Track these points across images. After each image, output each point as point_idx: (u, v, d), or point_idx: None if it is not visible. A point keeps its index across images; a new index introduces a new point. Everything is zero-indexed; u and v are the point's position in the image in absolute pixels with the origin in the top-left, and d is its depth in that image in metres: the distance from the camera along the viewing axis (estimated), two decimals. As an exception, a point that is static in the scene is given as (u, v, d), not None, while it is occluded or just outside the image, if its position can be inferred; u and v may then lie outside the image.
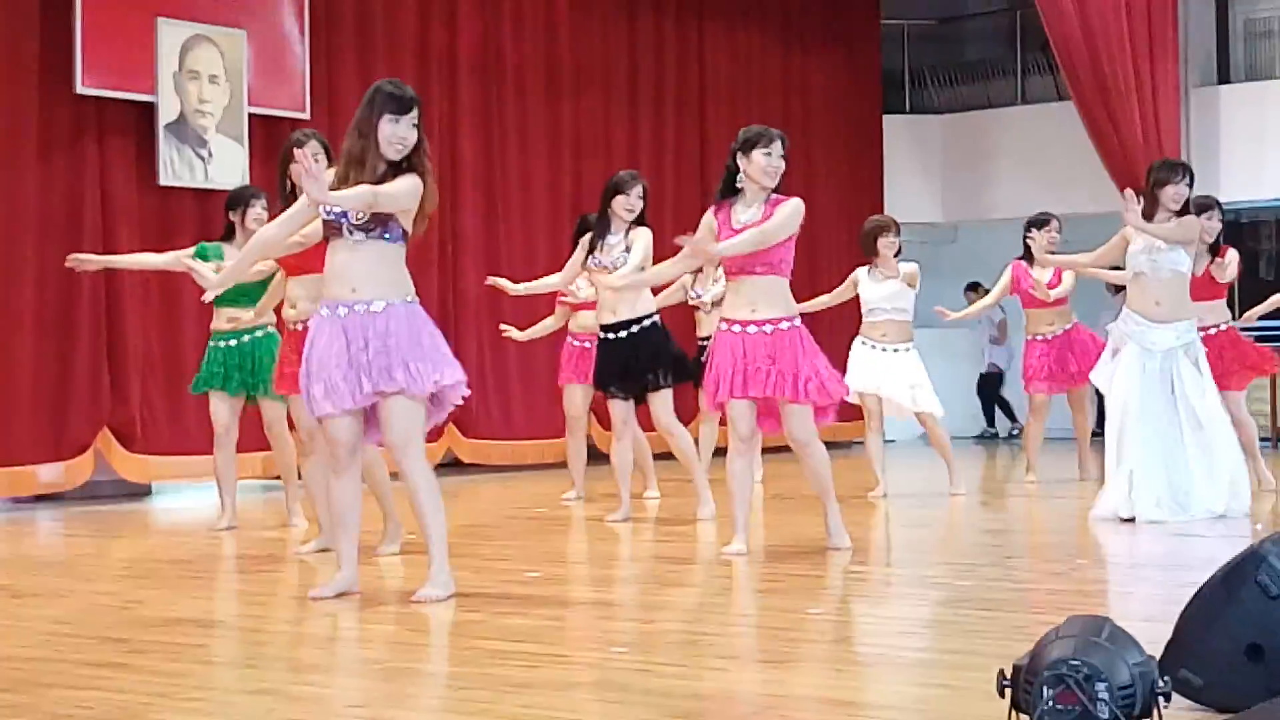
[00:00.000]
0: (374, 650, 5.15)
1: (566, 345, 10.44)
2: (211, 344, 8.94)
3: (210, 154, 11.50)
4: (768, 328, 7.04)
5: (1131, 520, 8.24)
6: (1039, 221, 10.98)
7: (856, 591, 6.54)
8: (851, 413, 10.43)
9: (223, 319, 8.86)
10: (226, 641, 5.24)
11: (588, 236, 8.91)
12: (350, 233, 5.91)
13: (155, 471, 11.33)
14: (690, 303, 11.18)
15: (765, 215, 7.03)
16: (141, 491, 11.42)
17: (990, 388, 18.40)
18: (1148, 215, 8.35)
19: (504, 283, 10.13)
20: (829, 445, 7.39)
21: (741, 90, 15.94)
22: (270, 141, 11.82)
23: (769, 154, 7.06)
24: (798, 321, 7.13)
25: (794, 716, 3.96)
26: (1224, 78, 16.91)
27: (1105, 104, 15.44)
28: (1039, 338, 10.98)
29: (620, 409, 8.93)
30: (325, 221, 5.96)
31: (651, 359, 8.81)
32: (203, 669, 4.75)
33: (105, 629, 5.45)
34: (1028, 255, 10.90)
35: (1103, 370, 8.66)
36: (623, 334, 8.79)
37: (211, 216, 11.49)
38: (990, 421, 18.47)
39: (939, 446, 10.54)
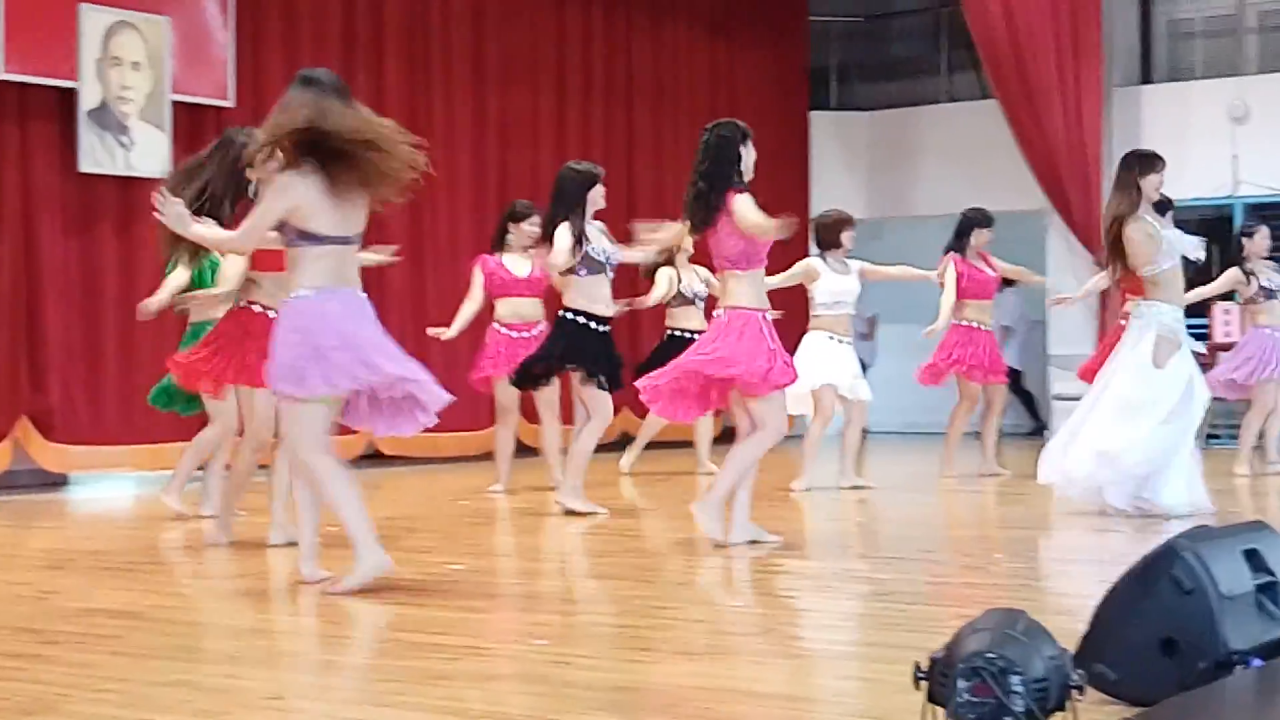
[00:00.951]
0: (293, 642, 5.12)
1: (494, 335, 10.34)
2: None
3: (132, 141, 11.38)
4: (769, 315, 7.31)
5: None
6: (985, 221, 11.16)
7: (778, 585, 6.56)
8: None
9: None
10: (142, 632, 5.19)
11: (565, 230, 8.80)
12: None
13: (74, 461, 11.20)
14: (686, 295, 11.40)
15: None
16: (59, 481, 11.30)
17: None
18: (1131, 204, 8.40)
19: (442, 331, 10.27)
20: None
21: (668, 84, 15.96)
22: (193, 129, 11.73)
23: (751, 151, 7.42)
24: None
25: (713, 709, 3.97)
26: (1146, 78, 17.07)
27: (1029, 102, 15.56)
28: (982, 326, 11.14)
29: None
30: None
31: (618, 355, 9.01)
32: (118, 660, 4.70)
33: (21, 620, 5.39)
34: (960, 248, 11.07)
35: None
36: (608, 327, 8.89)
37: (132, 204, 11.39)
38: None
39: (854, 437, 10.62)
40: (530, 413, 10.61)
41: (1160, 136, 16.36)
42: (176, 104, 11.65)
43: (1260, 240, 11.44)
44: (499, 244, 10.38)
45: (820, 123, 18.09)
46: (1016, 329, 17.53)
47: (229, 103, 11.89)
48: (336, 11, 12.92)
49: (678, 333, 11.35)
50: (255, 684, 4.38)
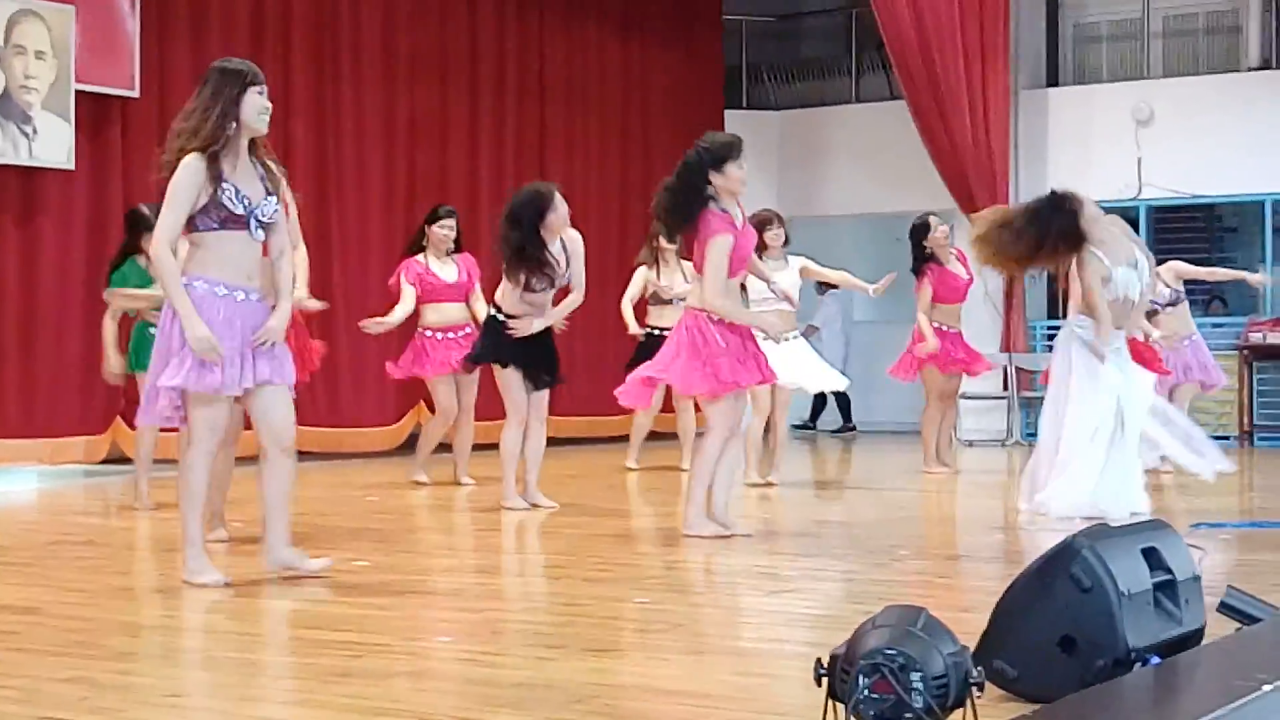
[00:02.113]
0: (193, 639, 5.07)
1: (423, 339, 10.30)
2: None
3: (35, 131, 11.22)
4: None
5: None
6: (924, 227, 11.31)
7: (683, 581, 6.57)
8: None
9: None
10: (40, 629, 5.11)
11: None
12: (256, 230, 5.95)
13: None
14: (661, 294, 11.43)
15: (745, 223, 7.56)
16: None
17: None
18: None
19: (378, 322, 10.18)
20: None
21: (580, 83, 15.92)
22: (97, 119, 11.60)
23: (742, 167, 7.46)
24: None
25: (616, 704, 3.97)
26: (1053, 80, 17.26)
27: (937, 104, 15.68)
28: (950, 329, 11.31)
29: (530, 398, 8.90)
30: (228, 211, 5.86)
31: (556, 355, 9.02)
32: (17, 656, 4.63)
33: (-86, 616, 5.31)
34: (920, 256, 11.21)
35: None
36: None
37: (37, 193, 11.26)
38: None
39: (781, 431, 10.72)
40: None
41: (1066, 139, 16.59)
42: (80, 94, 11.50)
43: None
44: (417, 246, 10.35)
45: (732, 122, 18.08)
46: (827, 330, 17.75)
47: (134, 93, 11.76)
48: (245, 3, 12.80)
49: (655, 331, 11.38)
50: (154, 681, 4.33)
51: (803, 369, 10.41)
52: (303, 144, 13.11)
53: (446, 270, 10.27)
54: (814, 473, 13.07)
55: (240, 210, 5.87)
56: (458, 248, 10.36)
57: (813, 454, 15.23)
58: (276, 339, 5.97)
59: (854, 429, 17.92)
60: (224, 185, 5.84)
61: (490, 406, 10.21)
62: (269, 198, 5.98)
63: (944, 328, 11.26)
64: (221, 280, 5.88)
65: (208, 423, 5.94)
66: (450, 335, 10.22)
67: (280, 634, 5.24)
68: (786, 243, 10.58)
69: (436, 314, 10.26)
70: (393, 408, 13.53)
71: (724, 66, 18.07)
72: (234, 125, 5.88)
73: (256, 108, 5.92)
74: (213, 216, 5.86)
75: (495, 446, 9.08)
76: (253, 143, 6.00)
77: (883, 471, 11.45)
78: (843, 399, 17.79)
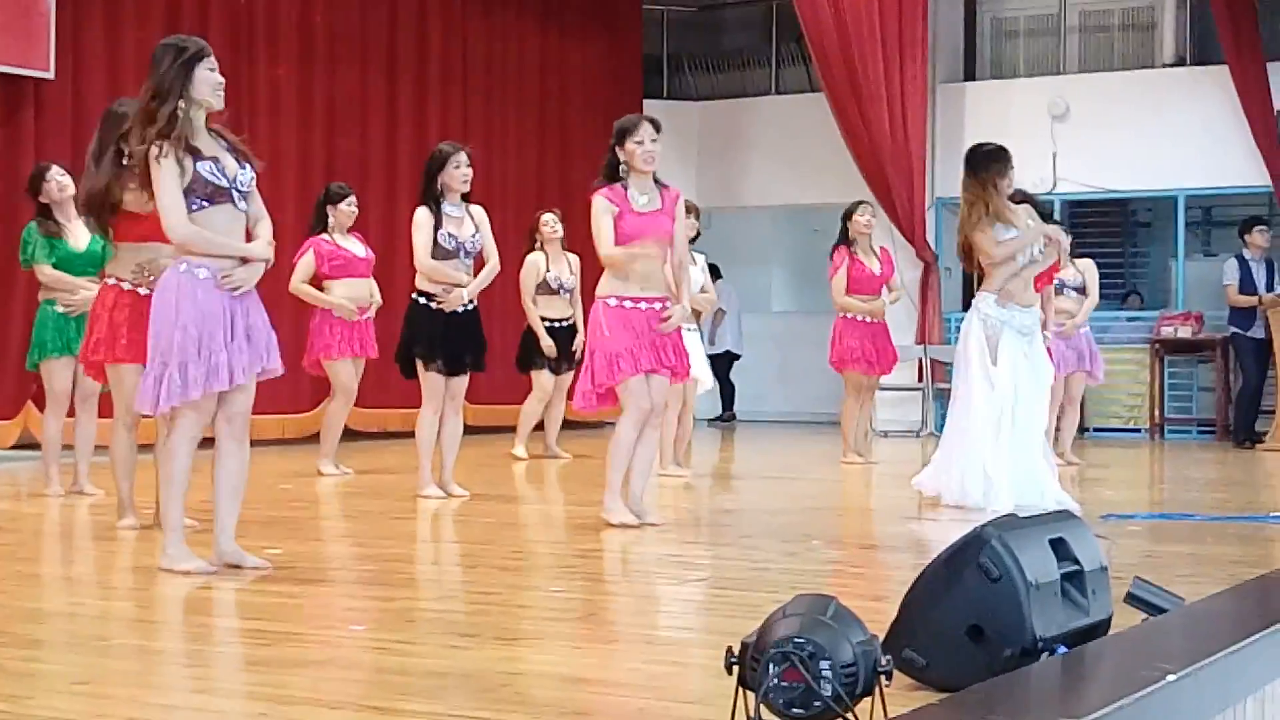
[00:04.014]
0: (102, 627, 5.02)
1: (328, 317, 10.25)
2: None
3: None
4: (658, 305, 7.43)
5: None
6: (851, 209, 11.45)
7: (596, 569, 6.58)
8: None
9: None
10: (-54, 616, 5.05)
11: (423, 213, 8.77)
12: (239, 200, 5.92)
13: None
14: (551, 285, 11.59)
15: (664, 205, 7.47)
16: None
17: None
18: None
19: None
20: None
21: (500, 70, 15.88)
22: (12, 100, 11.46)
23: (640, 141, 7.39)
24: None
25: (528, 693, 3.97)
26: (970, 75, 17.39)
27: (855, 96, 15.77)
28: (862, 319, 11.34)
29: (443, 384, 8.87)
30: (212, 185, 5.82)
31: (477, 340, 8.96)
32: (-81, 644, 4.57)
33: None
34: (841, 238, 11.34)
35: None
36: (471, 308, 8.85)
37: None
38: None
39: (688, 422, 10.80)
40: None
41: (982, 133, 16.58)
42: (-7, 74, 11.36)
43: None
44: (319, 227, 10.31)
45: (652, 111, 17.86)
46: (730, 314, 17.96)
47: (49, 74, 11.61)
48: (161, -18, 12.67)
49: (545, 321, 11.57)
50: (62, 669, 4.29)
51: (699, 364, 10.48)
52: (218, 124, 12.94)
53: (355, 245, 10.29)
54: (727, 463, 13.11)
55: (224, 183, 5.84)
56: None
57: (725, 444, 15.28)
58: (244, 284, 5.85)
59: (734, 417, 18.24)
60: (202, 161, 5.80)
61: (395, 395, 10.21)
62: (244, 167, 5.95)
63: (860, 318, 11.33)
64: (206, 263, 5.80)
65: (195, 408, 5.85)
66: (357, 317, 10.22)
67: (190, 622, 5.19)
68: (696, 236, 10.57)
69: (346, 289, 10.22)
70: (308, 394, 13.44)
71: (642, 56, 18.07)
72: (188, 103, 5.82)
73: (209, 83, 5.89)
74: (199, 194, 5.81)
75: (410, 435, 9.06)
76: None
77: (801, 462, 11.51)
78: (727, 386, 18.12)
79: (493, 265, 8.94)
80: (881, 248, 11.61)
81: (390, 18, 14.73)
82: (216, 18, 13.08)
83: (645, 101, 17.93)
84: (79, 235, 8.39)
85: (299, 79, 13.77)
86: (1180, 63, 16.50)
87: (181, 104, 5.83)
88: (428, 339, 8.77)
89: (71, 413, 8.68)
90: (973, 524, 4.05)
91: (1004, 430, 8.24)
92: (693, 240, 10.43)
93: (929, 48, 16.38)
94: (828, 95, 15.98)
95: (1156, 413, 15.94)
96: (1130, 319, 16.70)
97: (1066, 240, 9.27)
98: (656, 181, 7.51)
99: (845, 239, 11.36)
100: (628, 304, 7.39)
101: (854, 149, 15.99)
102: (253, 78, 13.38)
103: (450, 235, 8.70)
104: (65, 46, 11.84)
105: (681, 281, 7.56)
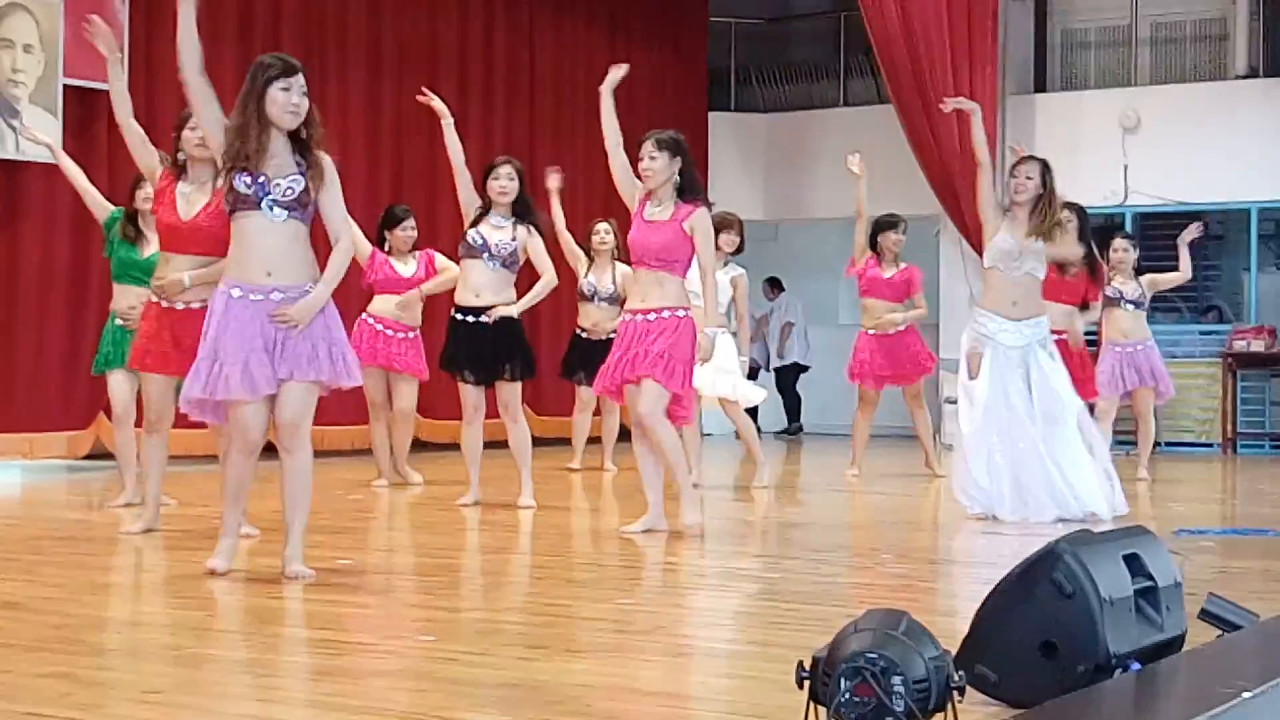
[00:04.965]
0: (176, 636, 5.05)
1: (364, 327, 10.27)
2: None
3: (22, 124, 11.18)
4: (651, 315, 7.48)
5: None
6: (891, 223, 11.38)
7: (666, 582, 6.57)
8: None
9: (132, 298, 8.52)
10: (22, 624, 5.09)
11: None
12: (270, 209, 5.80)
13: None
14: (585, 292, 11.53)
15: (674, 217, 7.51)
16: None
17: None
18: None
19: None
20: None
21: (568, 80, 15.92)
22: (85, 113, 11.56)
23: (640, 159, 7.71)
24: (682, 314, 7.50)
25: (599, 706, 3.96)
26: (1040, 86, 17.28)
27: (924, 108, 15.70)
28: (871, 332, 11.22)
29: (472, 395, 8.90)
30: (237, 194, 5.80)
31: (510, 348, 8.89)
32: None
33: (-106, 609, 5.29)
34: (870, 245, 11.43)
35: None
36: (482, 319, 8.77)
37: (21, 187, 11.23)
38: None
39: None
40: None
41: (1053, 145, 16.59)
42: (68, 88, 11.48)
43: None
44: (380, 245, 10.39)
45: (718, 124, 18.14)
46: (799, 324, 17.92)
47: (122, 87, 11.70)
48: (234, -3, 12.79)
49: (577, 329, 11.77)
50: (135, 677, 4.32)
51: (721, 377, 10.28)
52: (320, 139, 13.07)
53: (405, 266, 10.35)
54: (793, 476, 13.07)
55: (249, 191, 5.77)
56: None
57: (791, 456, 15.23)
58: (292, 321, 5.77)
59: (801, 429, 18.33)
60: (240, 174, 5.79)
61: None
62: (287, 177, 5.82)
63: (869, 330, 11.29)
64: (238, 281, 5.82)
65: (235, 422, 5.91)
66: (388, 332, 10.23)
67: (263, 631, 5.22)
68: (740, 250, 10.48)
69: (385, 304, 10.30)
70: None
71: (709, 68, 18.06)
72: (261, 121, 5.83)
73: (279, 103, 5.86)
74: (228, 203, 5.85)
75: (489, 447, 9.13)
76: (307, 135, 5.94)
77: (868, 474, 11.45)
78: (794, 399, 18.10)
79: (546, 280, 8.97)
80: (907, 265, 11.51)
81: (460, 29, 14.80)
82: (288, 30, 13.18)
83: (712, 114, 17.95)
84: (147, 247, 8.44)
85: (367, 90, 13.84)
86: (1253, 74, 16.34)
87: (259, 125, 5.82)
88: (453, 350, 8.89)
89: (139, 423, 8.73)
90: (1045, 539, 4.02)
91: (994, 445, 8.28)
92: (735, 253, 10.43)
93: (999, 59, 16.29)
94: (896, 107, 15.93)
95: (1229, 427, 15.78)
96: (1203, 333, 16.55)
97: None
98: (681, 195, 7.57)
99: (874, 247, 11.34)
100: (626, 317, 7.63)
101: (922, 161, 15.93)
102: (323, 91, 13.44)
103: (478, 234, 8.77)
104: (138, 61, 11.94)
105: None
